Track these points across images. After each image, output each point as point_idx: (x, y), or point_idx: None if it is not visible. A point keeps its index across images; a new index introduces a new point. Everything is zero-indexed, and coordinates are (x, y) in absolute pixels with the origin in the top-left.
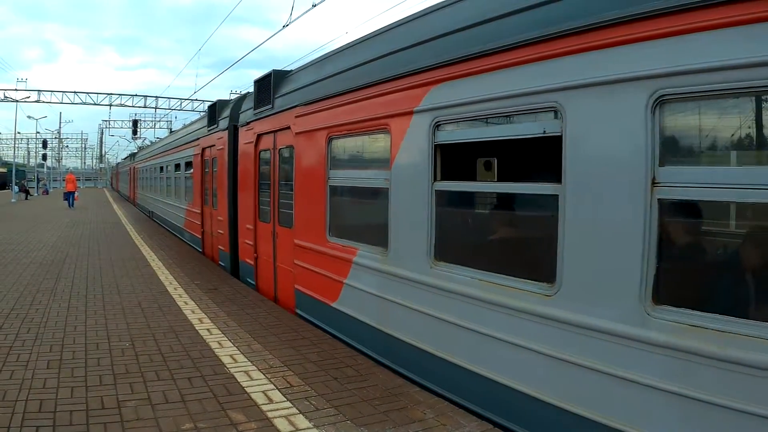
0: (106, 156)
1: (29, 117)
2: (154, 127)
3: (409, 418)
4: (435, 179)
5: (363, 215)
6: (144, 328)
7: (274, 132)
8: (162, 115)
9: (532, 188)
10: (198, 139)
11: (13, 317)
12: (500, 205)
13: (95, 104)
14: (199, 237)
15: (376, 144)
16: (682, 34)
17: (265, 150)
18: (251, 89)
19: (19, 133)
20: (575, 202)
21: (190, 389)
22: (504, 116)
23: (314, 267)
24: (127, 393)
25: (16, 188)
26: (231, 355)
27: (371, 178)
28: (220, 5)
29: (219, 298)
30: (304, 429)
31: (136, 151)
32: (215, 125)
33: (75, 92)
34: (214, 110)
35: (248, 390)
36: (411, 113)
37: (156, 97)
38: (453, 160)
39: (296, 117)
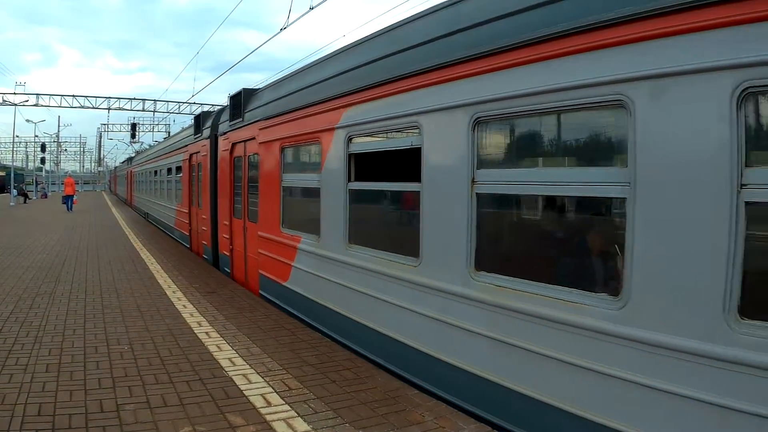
0: (105, 159)
1: (28, 121)
2: (153, 131)
3: (408, 421)
4: (349, 180)
5: (305, 210)
6: (143, 332)
7: (245, 141)
8: (160, 119)
9: (405, 186)
10: (186, 146)
11: (12, 321)
12: (389, 200)
13: (94, 108)
14: (188, 234)
15: (312, 153)
16: (489, 72)
17: (238, 157)
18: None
19: (17, 136)
20: (428, 197)
21: (189, 392)
22: (388, 132)
23: (272, 254)
24: (126, 396)
25: (14, 192)
26: (230, 359)
27: (309, 180)
28: (218, 9)
29: (217, 301)
30: None
31: (133, 154)
32: (200, 134)
33: (73, 96)
34: (199, 120)
35: (247, 393)
36: (334, 129)
37: (154, 100)
38: (361, 165)
39: (260, 129)
